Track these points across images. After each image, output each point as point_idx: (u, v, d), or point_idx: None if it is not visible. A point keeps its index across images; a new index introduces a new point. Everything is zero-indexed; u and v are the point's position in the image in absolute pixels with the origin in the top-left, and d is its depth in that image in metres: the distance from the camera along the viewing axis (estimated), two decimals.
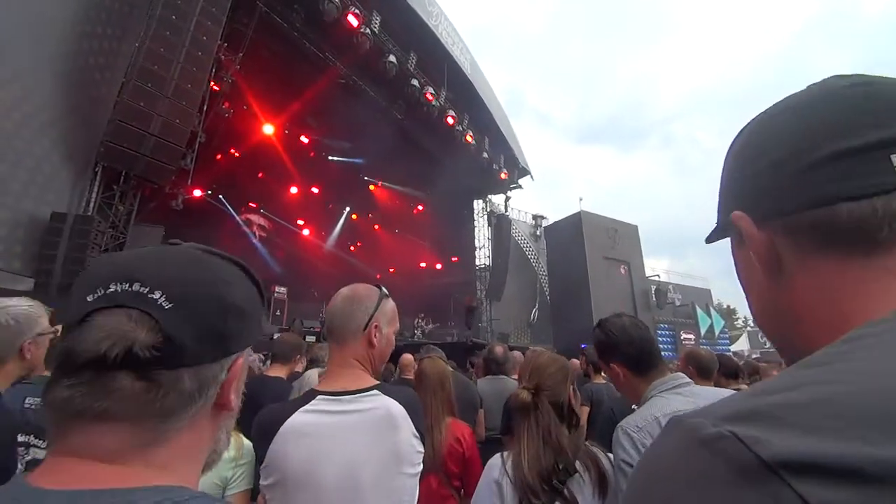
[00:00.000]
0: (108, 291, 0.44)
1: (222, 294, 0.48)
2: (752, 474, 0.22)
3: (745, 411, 0.25)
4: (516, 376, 3.39)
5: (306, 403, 1.07)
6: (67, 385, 0.41)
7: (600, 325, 1.50)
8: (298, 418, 1.04)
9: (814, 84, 0.40)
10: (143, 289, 0.44)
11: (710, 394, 1.41)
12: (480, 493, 1.27)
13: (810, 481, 0.21)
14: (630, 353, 1.42)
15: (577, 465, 1.23)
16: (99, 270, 0.46)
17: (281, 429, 1.02)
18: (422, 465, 1.15)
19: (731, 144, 0.44)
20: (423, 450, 1.15)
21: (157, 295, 0.44)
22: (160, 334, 0.42)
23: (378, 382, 1.16)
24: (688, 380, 1.40)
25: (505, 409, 2.61)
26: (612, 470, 1.25)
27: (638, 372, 1.42)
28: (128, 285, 0.44)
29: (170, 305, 0.43)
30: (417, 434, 1.14)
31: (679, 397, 1.33)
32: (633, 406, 2.12)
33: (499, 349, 3.28)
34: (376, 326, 1.20)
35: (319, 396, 1.09)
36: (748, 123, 0.43)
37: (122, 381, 0.41)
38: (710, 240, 0.51)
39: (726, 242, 0.46)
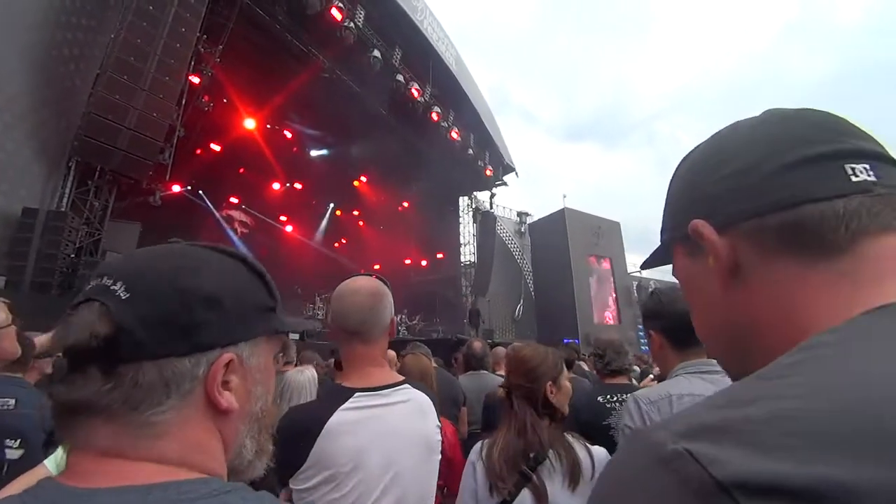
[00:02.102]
0: (88, 286, 0.46)
1: (183, 283, 0.46)
2: (707, 495, 0.22)
3: (701, 426, 0.25)
4: (500, 371, 3.44)
5: (345, 401, 1.10)
6: (59, 380, 0.43)
7: (653, 292, 1.54)
8: (340, 417, 1.07)
9: (763, 112, 0.42)
10: (107, 281, 0.45)
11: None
12: (465, 474, 1.36)
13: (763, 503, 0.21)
14: (672, 323, 1.43)
15: (551, 454, 1.26)
16: (101, 264, 0.49)
17: (324, 429, 1.04)
18: (441, 454, 1.22)
19: (682, 163, 0.45)
20: (441, 438, 1.23)
21: (117, 286, 0.44)
22: (112, 324, 0.42)
23: (403, 377, 1.22)
24: (719, 368, 1.39)
25: (485, 404, 2.63)
26: (587, 459, 1.28)
27: (674, 345, 1.44)
28: (100, 279, 0.45)
29: (126, 296, 0.43)
30: (440, 424, 1.23)
31: (702, 382, 1.34)
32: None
33: (477, 345, 3.30)
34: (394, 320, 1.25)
35: (357, 394, 1.12)
36: (696, 147, 0.44)
37: (90, 373, 0.42)
38: (648, 265, 0.52)
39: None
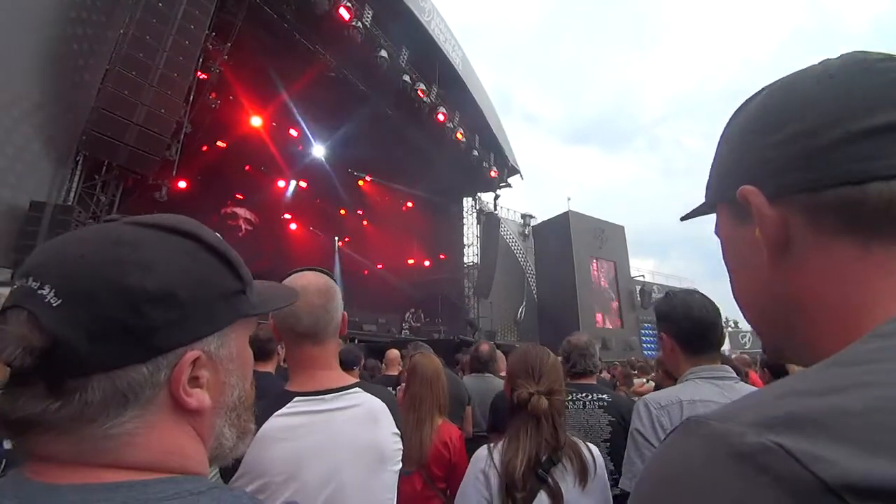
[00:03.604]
0: (14, 287, 0.40)
1: (129, 281, 0.39)
2: (811, 499, 0.19)
3: (786, 417, 0.22)
4: (503, 374, 3.43)
5: (282, 406, 1.02)
6: (1, 392, 0.39)
7: (667, 294, 1.53)
8: (275, 423, 0.99)
9: (844, 55, 0.36)
10: (34, 283, 0.39)
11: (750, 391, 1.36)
12: (467, 484, 1.30)
13: None
14: (682, 327, 1.42)
15: (563, 455, 1.28)
16: (27, 260, 0.42)
17: (257, 435, 0.96)
18: (401, 463, 1.14)
19: (739, 111, 0.40)
20: (402, 447, 1.14)
21: (45, 290, 0.38)
22: (46, 337, 0.36)
23: (358, 380, 1.15)
24: (733, 374, 1.38)
25: (492, 407, 2.63)
26: (591, 459, 1.31)
27: (686, 349, 1.42)
28: (25, 280, 0.39)
29: (58, 302, 0.38)
30: (397, 431, 1.13)
31: (713, 387, 1.32)
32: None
33: (484, 347, 3.31)
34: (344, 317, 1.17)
35: (297, 398, 1.04)
36: (762, 89, 0.39)
37: (34, 387, 0.38)
38: (688, 216, 0.48)
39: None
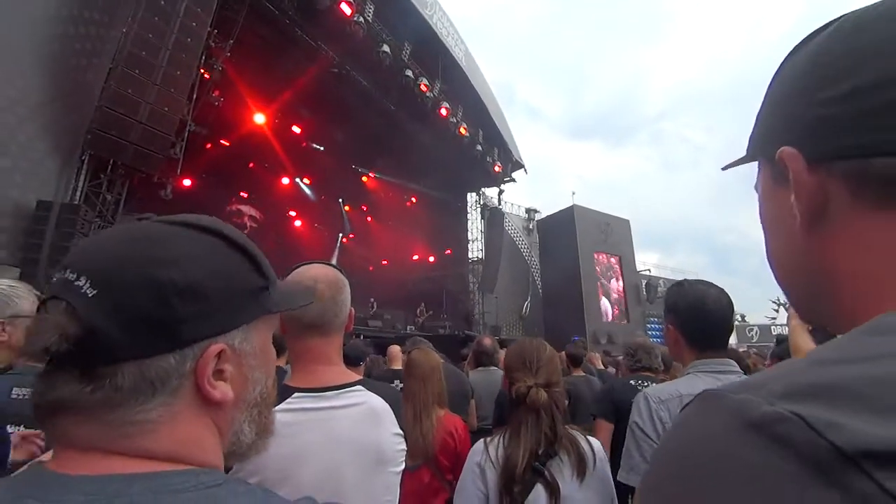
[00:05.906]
0: (53, 279, 0.42)
1: (159, 275, 0.41)
2: (828, 467, 0.18)
3: (804, 386, 0.21)
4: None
5: (281, 401, 0.99)
6: (37, 376, 0.42)
7: (681, 283, 1.46)
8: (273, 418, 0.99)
9: None
10: (71, 275, 0.41)
11: None
12: (465, 478, 1.29)
13: None
14: (691, 321, 1.37)
15: (558, 447, 1.27)
16: (67, 255, 0.45)
17: None
18: (404, 464, 1.11)
19: (797, 50, 0.36)
20: (405, 448, 1.12)
21: (82, 282, 0.40)
22: (81, 326, 0.39)
23: (361, 378, 1.12)
24: (735, 368, 1.34)
25: (497, 402, 2.65)
26: (590, 452, 1.29)
27: (689, 342, 1.39)
28: (63, 272, 0.42)
29: (94, 293, 0.40)
30: (400, 432, 1.11)
31: (714, 381, 1.30)
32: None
33: (487, 341, 3.35)
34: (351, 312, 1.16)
35: (297, 393, 1.02)
36: (829, 24, 0.34)
37: (68, 372, 0.40)
38: (729, 166, 0.44)
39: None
